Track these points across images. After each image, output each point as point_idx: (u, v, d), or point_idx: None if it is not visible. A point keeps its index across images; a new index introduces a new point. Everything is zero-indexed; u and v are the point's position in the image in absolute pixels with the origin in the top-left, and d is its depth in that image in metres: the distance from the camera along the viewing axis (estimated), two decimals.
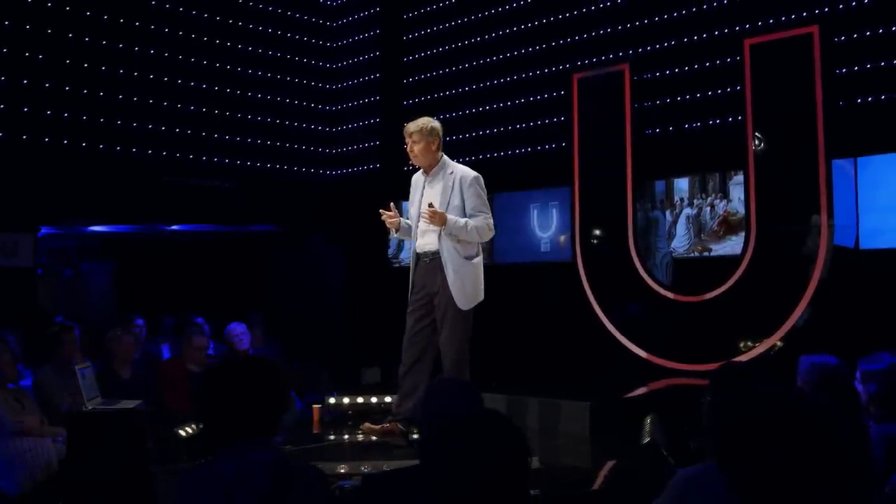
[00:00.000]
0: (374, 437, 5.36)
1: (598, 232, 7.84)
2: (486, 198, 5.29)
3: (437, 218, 5.09)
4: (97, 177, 8.47)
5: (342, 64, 10.86)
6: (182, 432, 5.01)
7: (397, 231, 5.47)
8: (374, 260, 10.05)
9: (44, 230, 8.72)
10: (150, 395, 5.91)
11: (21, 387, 5.79)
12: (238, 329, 7.07)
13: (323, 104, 10.82)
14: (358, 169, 10.62)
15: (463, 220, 5.12)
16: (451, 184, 5.24)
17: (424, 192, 5.34)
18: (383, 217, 5.44)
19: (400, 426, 5.29)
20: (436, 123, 5.34)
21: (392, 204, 5.47)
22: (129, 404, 4.93)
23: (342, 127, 10.80)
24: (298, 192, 10.33)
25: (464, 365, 5.19)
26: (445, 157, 5.37)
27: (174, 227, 10.18)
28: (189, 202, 9.33)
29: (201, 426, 2.26)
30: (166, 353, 8.21)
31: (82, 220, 9.09)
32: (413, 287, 5.38)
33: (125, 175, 8.70)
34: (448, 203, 5.21)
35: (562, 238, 8.89)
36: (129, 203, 8.81)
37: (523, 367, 7.97)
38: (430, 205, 5.15)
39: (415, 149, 5.29)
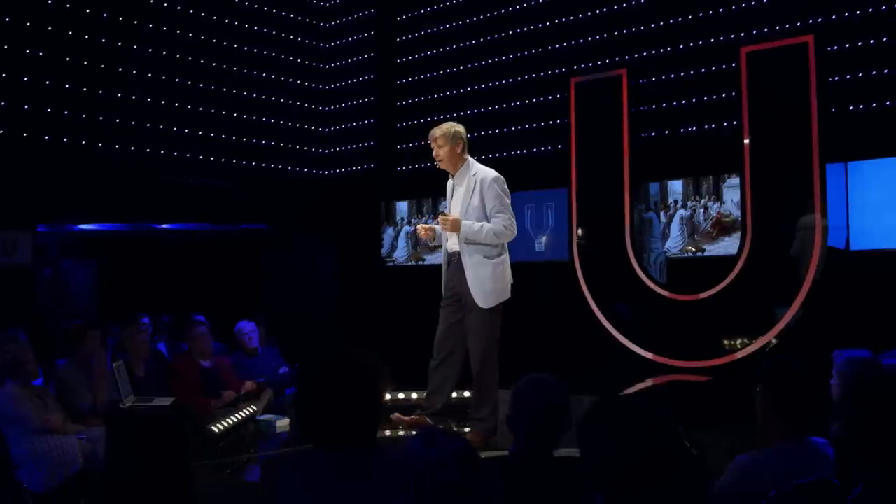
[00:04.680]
0: (401, 428, 5.46)
1: (595, 232, 8.02)
2: (507, 199, 5.40)
3: (450, 224, 5.25)
4: (95, 175, 8.47)
5: (337, 64, 10.94)
6: (215, 429, 5.09)
7: (434, 239, 5.61)
8: (368, 259, 10.15)
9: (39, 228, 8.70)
10: (163, 393, 5.96)
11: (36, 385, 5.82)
12: (248, 327, 7.16)
13: (317, 104, 10.89)
14: (352, 169, 10.72)
15: (478, 225, 5.24)
16: (472, 185, 5.37)
17: (454, 196, 5.49)
18: (419, 233, 5.61)
19: (428, 420, 5.43)
20: (460, 127, 5.47)
21: (420, 225, 5.61)
22: (165, 402, 5.00)
23: (337, 127, 10.88)
24: (293, 191, 10.39)
25: (491, 363, 5.33)
26: (471, 159, 5.50)
27: (164, 226, 10.17)
28: (185, 201, 9.36)
29: (326, 419, 2.35)
30: (163, 350, 8.24)
31: (79, 218, 9.07)
32: (445, 285, 5.54)
33: (123, 173, 8.71)
34: (468, 204, 5.34)
35: (544, 238, 9.08)
36: (126, 201, 8.82)
37: (521, 364, 8.11)
38: (443, 213, 5.36)
39: (440, 152, 5.42)
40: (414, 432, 5.22)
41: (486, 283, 5.31)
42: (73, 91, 8.37)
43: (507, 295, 5.42)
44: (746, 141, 7.03)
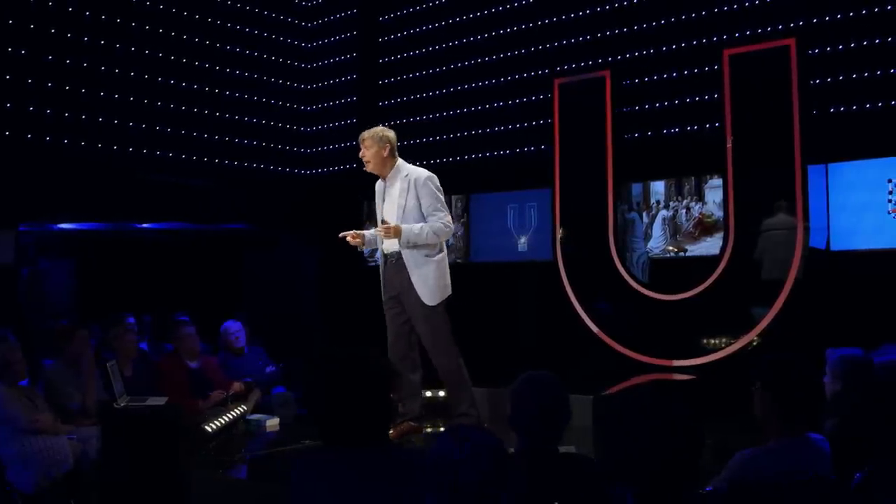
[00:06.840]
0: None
1: (578, 232, 8.07)
2: (441, 196, 5.42)
3: (392, 231, 5.26)
4: (78, 174, 8.42)
5: (319, 64, 10.94)
6: (208, 428, 5.09)
7: (364, 245, 5.62)
8: (350, 259, 10.14)
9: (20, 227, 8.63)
10: (151, 393, 5.93)
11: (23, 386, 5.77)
12: (234, 327, 7.15)
13: (300, 104, 10.89)
14: (334, 169, 10.72)
15: (418, 227, 5.26)
16: (406, 186, 5.38)
17: (385, 198, 5.51)
18: (348, 240, 5.57)
19: (412, 423, 5.45)
20: (389, 132, 5.49)
21: (345, 233, 5.58)
22: (159, 401, 5.00)
23: (319, 127, 10.88)
24: (276, 191, 10.38)
25: (451, 358, 5.36)
26: (401, 161, 5.50)
27: (145, 225, 10.12)
28: (167, 200, 9.32)
29: (341, 418, 2.38)
30: (145, 350, 8.19)
31: (61, 217, 9.01)
32: (384, 287, 5.53)
33: (105, 172, 8.67)
34: (405, 205, 5.37)
35: (522, 239, 9.14)
36: (109, 200, 8.78)
37: (505, 363, 8.16)
38: (384, 221, 5.37)
39: (367, 153, 5.43)
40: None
41: (430, 280, 5.33)
42: (55, 90, 8.31)
43: (450, 291, 5.45)
44: (729, 142, 7.12)
